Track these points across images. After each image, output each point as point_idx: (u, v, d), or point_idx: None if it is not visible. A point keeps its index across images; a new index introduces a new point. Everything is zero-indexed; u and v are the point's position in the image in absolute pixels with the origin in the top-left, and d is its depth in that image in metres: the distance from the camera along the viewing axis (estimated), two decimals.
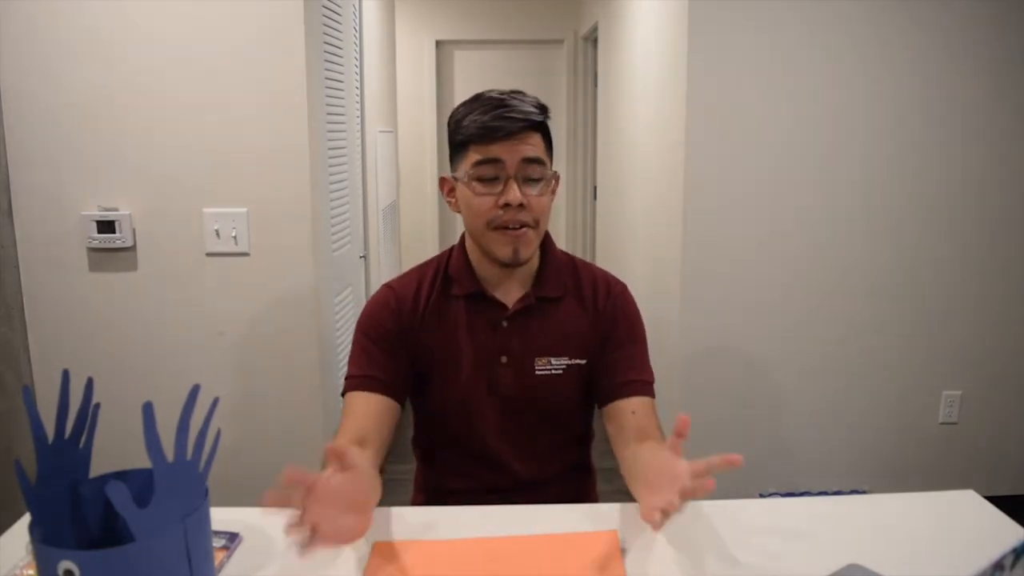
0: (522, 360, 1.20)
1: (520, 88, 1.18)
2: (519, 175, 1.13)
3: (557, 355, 1.21)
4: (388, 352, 1.20)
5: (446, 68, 5.25)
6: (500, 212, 1.13)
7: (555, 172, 1.19)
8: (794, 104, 2.37)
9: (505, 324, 1.21)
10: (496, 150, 1.12)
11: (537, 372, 1.20)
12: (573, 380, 1.22)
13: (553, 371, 1.21)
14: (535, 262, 1.24)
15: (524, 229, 1.14)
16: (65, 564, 0.69)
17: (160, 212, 1.74)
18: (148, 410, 0.73)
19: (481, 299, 1.21)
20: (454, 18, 5.12)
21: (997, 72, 2.39)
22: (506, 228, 1.13)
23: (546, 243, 1.25)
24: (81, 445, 0.82)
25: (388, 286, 1.25)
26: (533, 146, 1.14)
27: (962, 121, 2.42)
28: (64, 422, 0.80)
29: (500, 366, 1.21)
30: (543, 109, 1.16)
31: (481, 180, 1.13)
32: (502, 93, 1.15)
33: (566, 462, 1.30)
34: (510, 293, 1.22)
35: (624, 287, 1.28)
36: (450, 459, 1.28)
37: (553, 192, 1.21)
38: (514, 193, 1.11)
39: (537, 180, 1.14)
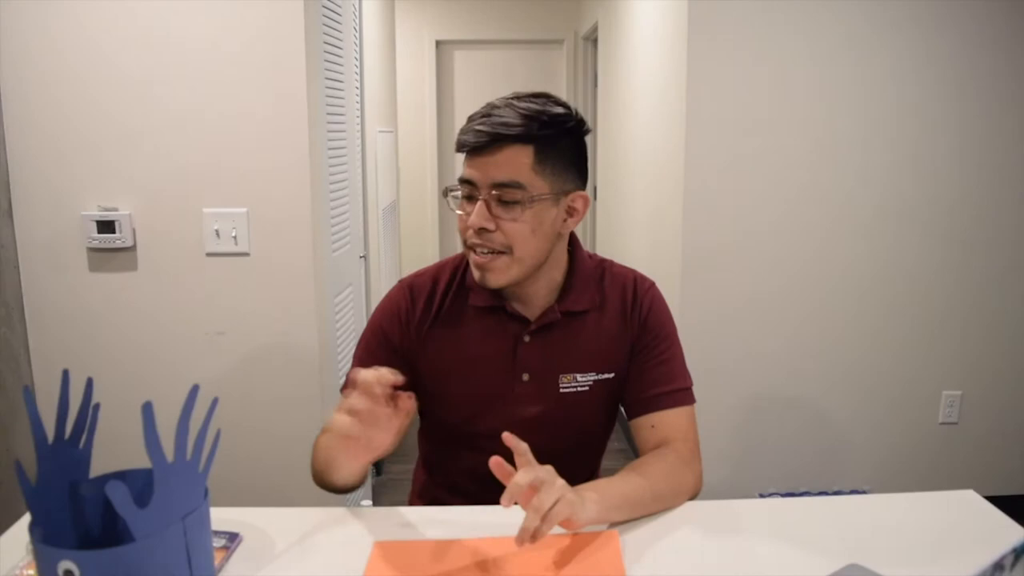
0: (545, 378, 1.15)
1: (520, 89, 1.11)
2: (491, 197, 1.05)
3: (583, 371, 1.15)
4: (388, 363, 1.18)
5: (446, 68, 5.25)
6: (470, 233, 1.07)
7: (567, 190, 1.10)
8: (794, 103, 2.37)
9: (527, 339, 1.15)
10: (470, 168, 1.06)
11: (562, 390, 1.15)
12: (600, 396, 1.16)
13: (579, 388, 1.15)
14: (558, 276, 1.16)
15: (492, 255, 1.07)
16: (65, 564, 0.69)
17: (160, 212, 1.74)
18: (148, 410, 0.73)
19: (501, 312, 1.15)
20: (454, 18, 5.12)
21: (1000, 75, 2.40)
22: (475, 250, 1.08)
23: (574, 254, 1.19)
24: (81, 445, 0.82)
25: (404, 284, 1.20)
26: (508, 165, 1.04)
27: (963, 124, 2.42)
28: (64, 422, 0.81)
29: (521, 384, 1.15)
30: (536, 120, 1.04)
31: (462, 197, 1.09)
32: (506, 99, 1.07)
33: (578, 481, 1.26)
34: (532, 306, 1.16)
35: (651, 285, 1.21)
36: (453, 473, 1.23)
37: (573, 212, 1.12)
38: (473, 216, 1.05)
39: (512, 203, 1.05)
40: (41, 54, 1.66)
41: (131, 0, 1.65)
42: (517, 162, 1.04)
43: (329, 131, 1.96)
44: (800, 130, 2.39)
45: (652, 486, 1.04)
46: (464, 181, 1.08)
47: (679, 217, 2.43)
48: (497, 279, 1.08)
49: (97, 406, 0.82)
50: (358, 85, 2.57)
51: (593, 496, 0.96)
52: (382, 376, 0.88)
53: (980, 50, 2.38)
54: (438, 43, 5.17)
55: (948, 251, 2.49)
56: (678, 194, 2.44)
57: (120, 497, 0.69)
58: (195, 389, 0.79)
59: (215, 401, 0.82)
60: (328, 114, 1.95)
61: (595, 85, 4.65)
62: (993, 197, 2.47)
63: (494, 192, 1.05)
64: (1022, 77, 2.40)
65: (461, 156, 1.10)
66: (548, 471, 0.91)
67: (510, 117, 1.04)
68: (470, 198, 1.08)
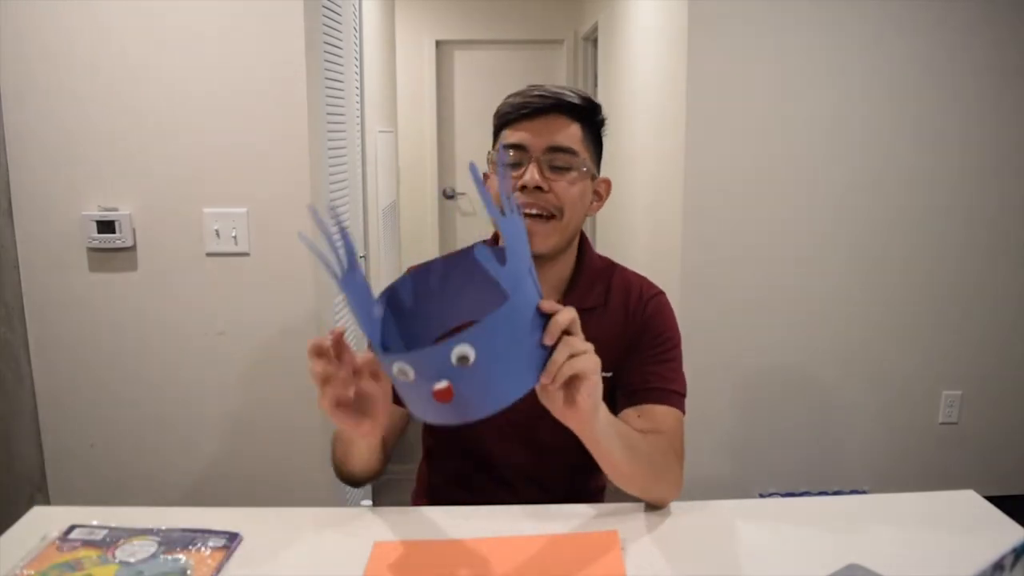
0: None
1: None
2: (543, 159, 1.07)
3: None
4: None
5: (446, 68, 5.25)
6: (517, 195, 1.07)
7: (596, 173, 1.13)
8: (794, 103, 2.37)
9: None
10: (522, 133, 1.08)
11: None
12: None
13: None
14: (567, 269, 1.17)
15: (539, 219, 1.08)
16: (460, 349, 0.70)
17: (160, 212, 1.74)
18: (474, 169, 0.78)
19: None
20: (454, 18, 5.12)
21: (1000, 71, 2.40)
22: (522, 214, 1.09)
23: (583, 250, 1.19)
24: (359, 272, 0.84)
25: (411, 272, 1.23)
26: (563, 133, 1.08)
27: (963, 121, 2.42)
28: (343, 256, 0.82)
29: None
30: (587, 100, 1.10)
31: (506, 164, 1.09)
32: (553, 84, 1.12)
33: (580, 488, 1.22)
34: None
35: (658, 294, 1.21)
36: (453, 470, 1.24)
37: (600, 196, 1.16)
38: (530, 174, 1.06)
39: (566, 168, 1.08)
40: (41, 55, 1.66)
41: (131, 1, 1.65)
42: (571, 131, 1.09)
43: (329, 131, 1.97)
44: (800, 129, 2.39)
45: (646, 445, 1.02)
46: (512, 147, 1.08)
47: (679, 214, 2.43)
48: (543, 244, 1.09)
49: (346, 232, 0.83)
50: (358, 85, 2.57)
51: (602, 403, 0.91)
52: (321, 340, 0.83)
53: (987, 45, 2.38)
54: (438, 43, 5.17)
55: (948, 251, 2.50)
56: (678, 192, 2.44)
57: (487, 258, 0.71)
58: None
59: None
60: (328, 114, 1.95)
61: (595, 85, 4.65)
62: (993, 197, 2.47)
63: (548, 155, 1.07)
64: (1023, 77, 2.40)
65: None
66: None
67: (565, 91, 1.09)
68: (516, 164, 1.09)
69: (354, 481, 1.09)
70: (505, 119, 1.11)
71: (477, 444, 1.17)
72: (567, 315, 0.79)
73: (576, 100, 1.09)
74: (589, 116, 1.11)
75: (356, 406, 0.86)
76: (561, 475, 1.20)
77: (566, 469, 1.20)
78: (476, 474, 1.20)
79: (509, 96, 1.11)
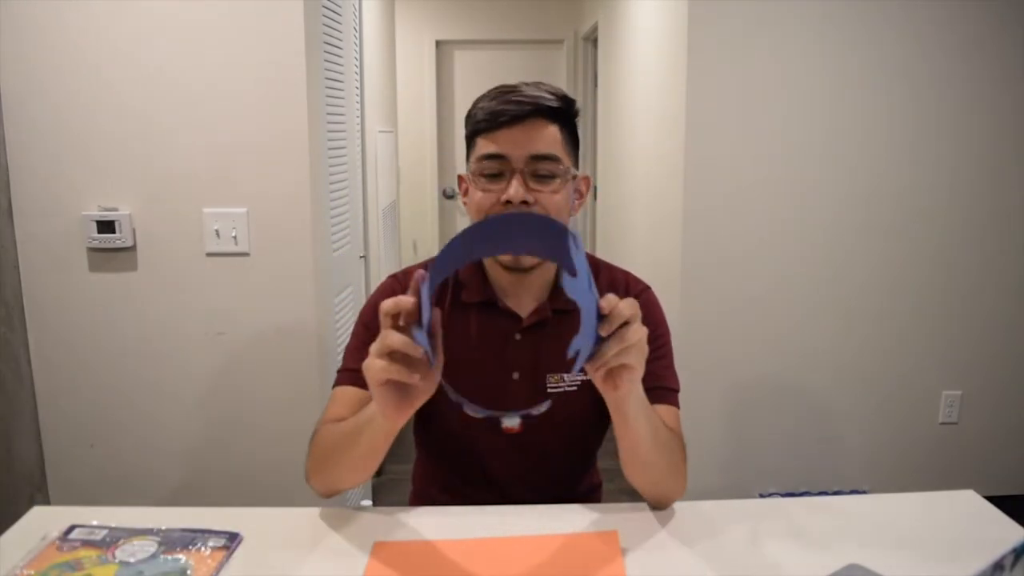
0: (534, 377, 1.11)
1: None
2: (526, 170, 1.03)
3: (571, 371, 1.11)
4: None
5: (446, 68, 5.25)
6: (502, 209, 1.03)
7: (577, 173, 1.10)
8: (794, 103, 2.38)
9: (518, 337, 1.12)
10: (501, 142, 1.03)
11: (549, 390, 1.12)
12: (588, 397, 1.11)
13: (567, 388, 1.12)
14: (550, 272, 1.14)
15: None
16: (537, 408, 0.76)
17: (160, 212, 1.74)
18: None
19: (493, 309, 1.13)
20: (454, 18, 5.12)
21: (1000, 72, 2.40)
22: None
23: None
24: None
25: (394, 277, 1.17)
26: (544, 139, 1.04)
27: (963, 121, 2.42)
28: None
29: (512, 383, 1.12)
30: (563, 99, 1.07)
31: (485, 175, 1.05)
32: (524, 83, 1.08)
33: (574, 489, 1.22)
34: (524, 303, 1.13)
35: (646, 289, 1.19)
36: (445, 473, 1.22)
37: (581, 194, 1.14)
38: (514, 189, 1.01)
39: (549, 177, 1.04)
40: (41, 54, 1.66)
41: (131, 1, 1.65)
42: (552, 136, 1.05)
43: (329, 131, 1.96)
44: (800, 129, 2.39)
45: (667, 435, 1.02)
46: (492, 157, 1.04)
47: (679, 215, 2.43)
48: (530, 259, 1.07)
49: None
50: (358, 85, 2.57)
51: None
52: (401, 303, 0.79)
53: (987, 46, 2.38)
54: (438, 43, 5.17)
55: (948, 250, 2.50)
56: (678, 192, 2.44)
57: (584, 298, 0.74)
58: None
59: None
60: (328, 114, 1.95)
61: (595, 85, 4.65)
62: (993, 197, 2.47)
63: (530, 165, 1.04)
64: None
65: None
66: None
67: (542, 93, 1.05)
68: (497, 176, 1.05)
69: (337, 485, 1.05)
70: (480, 127, 1.06)
71: (469, 447, 1.17)
72: (628, 310, 0.78)
73: (554, 103, 1.05)
74: (566, 115, 1.08)
75: (400, 390, 0.83)
76: (556, 477, 1.20)
77: (561, 471, 1.20)
78: (468, 476, 1.20)
79: (481, 101, 1.06)
